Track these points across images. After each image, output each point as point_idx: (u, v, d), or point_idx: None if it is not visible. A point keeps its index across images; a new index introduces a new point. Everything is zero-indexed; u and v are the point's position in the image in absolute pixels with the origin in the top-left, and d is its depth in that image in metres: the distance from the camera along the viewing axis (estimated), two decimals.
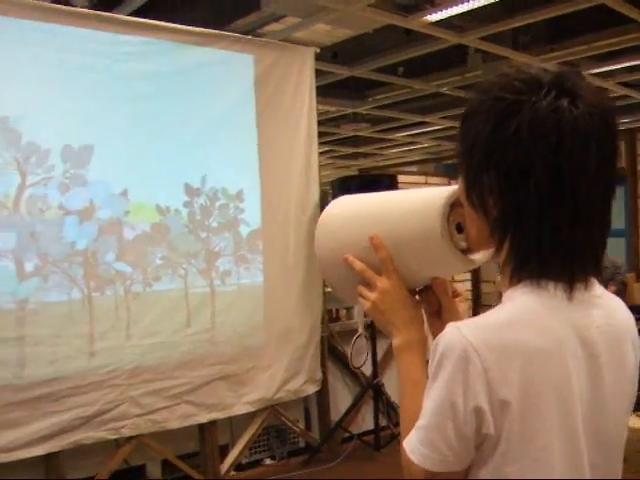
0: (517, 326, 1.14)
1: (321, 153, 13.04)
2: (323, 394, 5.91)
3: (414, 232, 1.39)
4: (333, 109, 10.28)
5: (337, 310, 7.08)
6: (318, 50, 5.83)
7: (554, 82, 1.16)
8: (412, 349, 1.37)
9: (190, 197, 5.05)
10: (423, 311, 1.49)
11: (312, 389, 5.69)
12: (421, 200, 1.41)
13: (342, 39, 7.87)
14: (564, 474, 1.15)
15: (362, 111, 10.60)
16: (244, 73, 5.34)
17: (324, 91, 8.88)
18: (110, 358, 4.66)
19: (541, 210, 1.14)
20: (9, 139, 4.32)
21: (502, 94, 1.17)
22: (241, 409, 5.29)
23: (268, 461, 5.73)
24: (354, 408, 6.02)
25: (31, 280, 4.40)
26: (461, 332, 1.12)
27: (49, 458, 4.53)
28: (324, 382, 5.82)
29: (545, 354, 1.13)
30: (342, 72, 8.65)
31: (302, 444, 5.94)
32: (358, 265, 1.44)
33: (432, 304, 1.48)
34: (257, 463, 5.70)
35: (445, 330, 1.15)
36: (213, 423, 5.20)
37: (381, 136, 12.24)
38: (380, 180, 6.07)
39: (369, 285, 1.43)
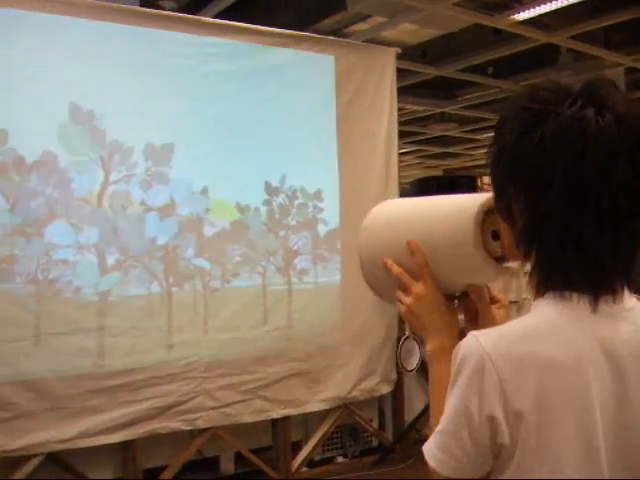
0: (536, 338, 1.13)
1: (408, 152, 13.06)
2: (398, 395, 5.92)
3: (448, 238, 1.39)
4: (421, 109, 10.27)
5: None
6: (399, 50, 5.83)
7: (582, 92, 1.14)
8: (444, 356, 1.35)
9: (269, 196, 5.14)
10: (463, 317, 1.50)
11: (386, 389, 5.71)
12: (457, 206, 1.41)
13: (429, 38, 7.86)
14: None
15: (450, 111, 10.56)
16: (325, 74, 5.40)
17: (412, 90, 8.88)
18: (187, 351, 4.79)
19: (564, 222, 1.13)
20: (95, 137, 4.49)
21: (528, 104, 1.17)
22: (315, 406, 5.35)
23: (340, 459, 5.77)
24: (428, 409, 6.00)
25: (112, 274, 4.56)
26: (479, 341, 1.13)
27: (126, 446, 4.69)
28: (399, 383, 5.83)
29: (563, 367, 1.12)
30: (430, 71, 8.63)
31: (375, 443, 5.95)
32: (395, 269, 1.46)
33: (470, 310, 1.48)
34: (329, 460, 5.74)
35: (465, 338, 1.16)
36: (286, 419, 5.28)
37: (469, 136, 12.17)
38: (459, 181, 6.06)
39: (405, 289, 1.45)
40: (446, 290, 1.44)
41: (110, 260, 4.55)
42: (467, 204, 1.38)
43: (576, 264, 1.14)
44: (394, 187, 5.68)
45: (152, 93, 4.72)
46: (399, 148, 5.94)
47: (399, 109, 6.03)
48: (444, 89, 9.83)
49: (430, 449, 1.19)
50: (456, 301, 1.50)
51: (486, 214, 1.35)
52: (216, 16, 6.27)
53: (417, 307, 1.42)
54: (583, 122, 1.11)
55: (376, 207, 1.60)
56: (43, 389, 4.33)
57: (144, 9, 4.97)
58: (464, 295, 1.48)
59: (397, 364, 5.71)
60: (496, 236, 1.35)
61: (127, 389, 4.59)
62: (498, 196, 1.23)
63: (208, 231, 4.89)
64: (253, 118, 5.08)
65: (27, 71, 4.33)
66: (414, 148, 12.77)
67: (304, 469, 5.46)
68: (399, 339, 5.72)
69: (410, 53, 7.20)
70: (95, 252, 4.50)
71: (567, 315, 1.15)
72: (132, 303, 4.62)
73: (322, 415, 5.52)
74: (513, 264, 1.37)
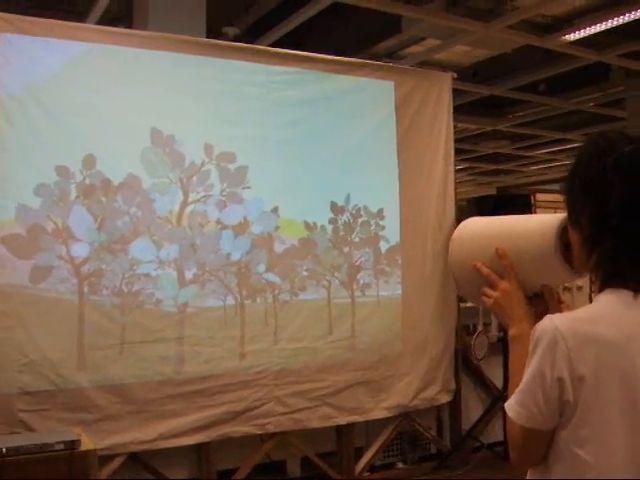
0: (596, 321, 1.48)
1: (461, 170, 13.20)
2: (455, 403, 6.11)
3: (533, 246, 1.76)
4: (473, 127, 10.45)
5: (474, 325, 7.28)
6: (455, 75, 6.08)
7: (637, 137, 1.53)
8: (524, 340, 1.65)
9: (335, 214, 5.45)
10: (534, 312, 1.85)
11: (446, 398, 5.93)
12: (539, 222, 1.79)
13: (482, 59, 8.07)
14: (629, 442, 1.46)
15: (502, 128, 10.71)
16: (385, 98, 5.69)
17: (464, 109, 9.08)
18: (259, 360, 5.10)
19: (618, 231, 1.48)
20: (174, 160, 4.85)
21: (598, 141, 1.56)
22: (379, 414, 5.60)
23: (400, 465, 5.99)
24: (485, 418, 6.20)
25: (190, 287, 4.90)
26: (553, 322, 1.47)
27: (201, 448, 4.99)
28: (457, 392, 6.03)
29: (615, 343, 1.45)
30: (482, 91, 8.84)
31: (433, 450, 6.16)
32: (485, 270, 1.81)
33: (540, 308, 1.79)
34: (390, 466, 5.96)
35: (541, 320, 1.50)
36: (351, 425, 5.53)
37: (521, 153, 12.29)
38: (515, 200, 6.25)
39: (492, 286, 1.80)
40: (524, 290, 1.79)
41: (188, 274, 4.88)
42: (549, 220, 1.74)
43: (629, 266, 1.50)
44: (451, 206, 5.94)
45: (226, 119, 5.08)
46: None
47: None
48: (496, 107, 10.01)
49: (510, 404, 1.53)
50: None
51: (562, 229, 1.70)
52: (277, 41, 6.59)
53: (503, 300, 1.77)
54: (637, 156, 1.50)
55: (463, 222, 2.00)
56: (127, 393, 4.67)
57: (215, 41, 5.34)
58: (535, 296, 1.83)
59: (455, 374, 5.95)
60: (567, 248, 1.70)
61: (203, 395, 4.90)
62: (571, 210, 1.59)
63: (278, 248, 5.20)
64: (319, 142, 5.41)
65: (112, 100, 4.70)
66: (466, 165, 12.92)
67: (366, 474, 5.69)
68: (457, 350, 5.95)
69: (462, 73, 7.40)
70: (175, 267, 4.84)
71: (622, 305, 1.49)
72: (208, 314, 4.94)
73: (383, 422, 5.75)
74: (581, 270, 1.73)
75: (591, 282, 1.63)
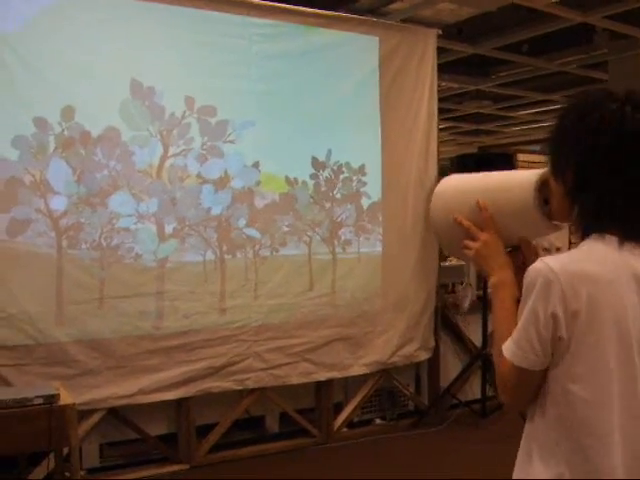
0: (587, 260, 1.55)
1: (443, 129, 13.17)
2: (434, 361, 6.15)
3: (513, 200, 1.82)
4: (456, 86, 10.38)
5: (453, 284, 7.30)
6: (440, 32, 6.02)
7: (623, 95, 1.59)
8: (506, 286, 1.75)
9: (316, 170, 5.41)
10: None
11: (424, 355, 5.97)
12: (519, 177, 1.88)
13: (466, 17, 7.99)
14: (620, 377, 1.52)
15: (485, 88, 10.65)
16: (369, 54, 5.63)
17: (448, 68, 9.01)
18: (239, 315, 5.09)
19: (602, 183, 1.56)
20: (155, 113, 4.78)
21: (585, 99, 1.64)
22: (357, 370, 5.63)
23: (378, 421, 6.03)
24: (463, 376, 6.24)
25: (170, 241, 4.86)
26: (545, 262, 1.54)
27: (180, 403, 5.01)
28: (435, 350, 6.07)
29: (606, 280, 1.53)
30: (466, 50, 8.76)
31: (411, 407, 6.21)
32: (466, 222, 1.87)
33: (517, 260, 1.86)
34: (368, 422, 6.00)
35: (534, 263, 1.56)
36: (330, 382, 5.56)
37: (504, 114, 12.26)
38: (497, 159, 6.23)
39: (473, 238, 1.86)
40: (503, 242, 1.86)
41: (168, 229, 4.85)
42: (528, 175, 1.82)
43: (609, 215, 1.56)
44: (433, 163, 5.92)
45: (207, 71, 5.00)
46: None
47: None
48: (479, 66, 9.95)
49: (507, 344, 1.59)
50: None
51: (541, 184, 1.77)
52: None
53: (484, 249, 1.83)
54: (623, 115, 1.55)
55: (445, 178, 2.07)
56: (106, 348, 4.66)
57: None
58: (514, 249, 1.89)
59: (434, 332, 5.98)
60: (546, 202, 1.77)
61: (183, 350, 4.90)
62: (556, 160, 1.65)
63: (259, 202, 5.17)
64: (301, 96, 5.35)
65: (90, 50, 4.60)
66: (448, 125, 12.89)
67: (344, 430, 5.74)
68: (437, 308, 5.98)
69: (446, 31, 7.33)
70: (154, 221, 4.80)
71: (606, 248, 1.56)
72: (188, 269, 4.92)
73: (362, 379, 5.79)
74: (559, 223, 1.80)
75: (570, 233, 1.67)
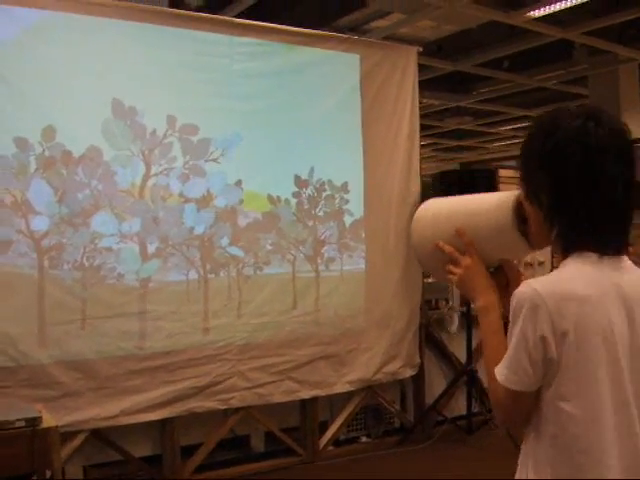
0: (572, 280, 1.57)
1: (424, 145, 13.25)
2: (419, 378, 6.14)
3: (491, 222, 1.83)
4: (437, 102, 10.46)
5: (437, 300, 7.31)
6: (421, 49, 6.06)
7: (585, 111, 1.62)
8: (492, 309, 1.77)
9: (299, 188, 5.41)
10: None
11: (409, 372, 5.95)
12: (496, 199, 1.86)
13: (446, 34, 8.05)
14: (611, 394, 1.55)
15: (466, 105, 10.73)
16: (350, 71, 5.65)
17: (428, 85, 9.06)
18: (222, 335, 5.07)
19: (577, 201, 1.58)
20: (137, 132, 4.77)
21: (548, 119, 1.66)
22: (341, 388, 5.61)
23: (364, 439, 6.00)
24: (448, 392, 6.24)
25: (153, 261, 4.84)
26: (531, 285, 1.56)
27: (164, 424, 4.97)
28: (420, 366, 6.06)
29: (592, 300, 1.55)
30: (446, 66, 8.83)
31: (397, 424, 6.19)
32: (448, 248, 1.88)
33: (501, 281, 1.89)
34: (354, 440, 5.98)
35: (519, 287, 1.59)
36: (314, 400, 5.54)
37: (485, 129, 12.35)
38: (479, 175, 6.24)
39: (455, 263, 1.87)
40: (485, 264, 1.87)
41: (151, 248, 4.82)
42: (505, 197, 1.83)
43: (587, 232, 1.59)
44: (416, 180, 5.93)
45: (189, 90, 5.00)
46: None
47: None
48: (460, 83, 10.02)
49: (499, 369, 1.61)
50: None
51: (518, 204, 1.78)
52: (240, 13, 6.49)
53: (467, 274, 1.84)
54: (587, 131, 1.58)
55: (423, 204, 2.06)
56: (88, 369, 4.62)
57: (178, 11, 5.23)
58: (496, 270, 1.92)
59: (419, 348, 5.97)
60: (524, 223, 1.77)
61: (166, 370, 4.86)
62: (529, 185, 1.68)
63: (242, 221, 5.16)
64: (283, 114, 5.35)
65: (72, 69, 4.59)
66: (430, 141, 12.96)
67: (330, 448, 5.71)
68: (421, 325, 5.99)
69: (427, 48, 7.38)
70: (137, 241, 4.78)
71: (590, 266, 1.59)
72: (171, 289, 4.89)
73: (347, 396, 5.77)
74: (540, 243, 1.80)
75: (552, 256, 1.69)
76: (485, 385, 6.12)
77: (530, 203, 1.68)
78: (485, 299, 1.79)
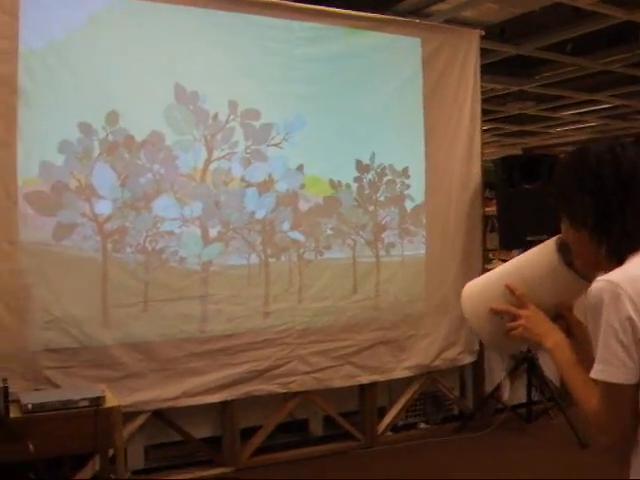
0: (632, 269, 1.63)
1: (486, 130, 13.06)
2: (479, 365, 6.09)
3: (540, 268, 1.90)
4: (499, 87, 10.29)
5: None
6: (483, 33, 5.97)
7: (607, 142, 1.74)
8: (563, 345, 1.81)
9: (360, 173, 5.40)
10: None
11: (468, 359, 5.91)
12: (537, 247, 1.93)
13: (509, 17, 7.92)
14: None
15: (528, 89, 10.54)
16: (412, 56, 5.60)
17: (491, 69, 8.92)
18: (283, 319, 5.10)
19: (620, 211, 1.67)
20: (199, 117, 4.81)
21: (575, 153, 1.80)
22: (400, 374, 5.60)
23: (422, 425, 5.98)
24: (508, 379, 6.17)
25: (214, 245, 4.88)
26: (604, 279, 1.61)
27: (224, 406, 5.02)
28: (480, 353, 6.00)
29: None
30: (509, 50, 8.68)
31: (456, 411, 6.15)
32: (503, 306, 1.91)
33: (562, 328, 1.91)
34: (412, 426, 5.95)
35: (593, 285, 1.63)
36: (373, 385, 5.53)
37: (547, 114, 12.11)
38: (542, 160, 6.12)
39: (515, 317, 1.89)
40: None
41: (212, 232, 4.87)
42: (546, 243, 1.90)
43: (635, 235, 1.67)
44: (477, 165, 5.87)
45: (250, 75, 5.01)
46: None
47: None
48: (522, 67, 9.84)
49: (593, 369, 1.61)
50: None
51: (560, 245, 1.87)
52: None
53: (530, 323, 1.87)
54: (615, 151, 1.71)
55: (466, 285, 2.07)
56: (150, 351, 4.69)
57: None
58: (556, 317, 1.94)
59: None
60: (569, 264, 1.85)
61: (227, 353, 4.91)
62: (570, 212, 1.77)
63: (303, 206, 5.17)
64: (344, 99, 5.34)
65: (135, 56, 4.64)
66: (491, 126, 12.77)
67: (388, 433, 5.71)
68: None
69: (489, 32, 7.26)
70: (198, 224, 4.82)
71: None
72: (232, 273, 4.93)
73: (406, 382, 5.76)
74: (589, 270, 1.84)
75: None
76: (546, 373, 6.07)
77: (576, 231, 1.76)
78: (553, 339, 1.83)
